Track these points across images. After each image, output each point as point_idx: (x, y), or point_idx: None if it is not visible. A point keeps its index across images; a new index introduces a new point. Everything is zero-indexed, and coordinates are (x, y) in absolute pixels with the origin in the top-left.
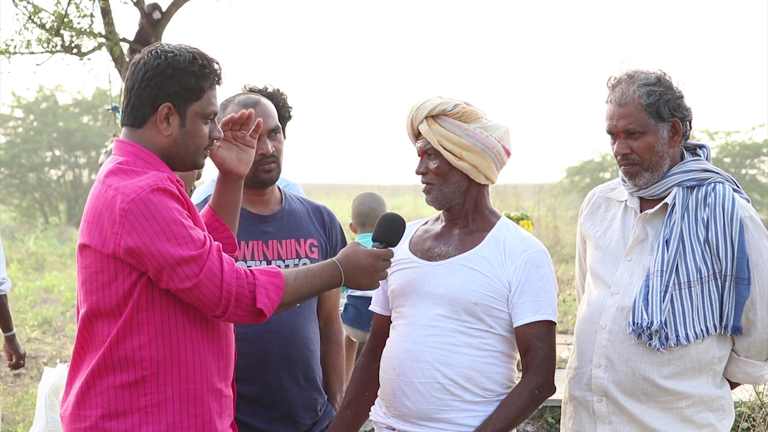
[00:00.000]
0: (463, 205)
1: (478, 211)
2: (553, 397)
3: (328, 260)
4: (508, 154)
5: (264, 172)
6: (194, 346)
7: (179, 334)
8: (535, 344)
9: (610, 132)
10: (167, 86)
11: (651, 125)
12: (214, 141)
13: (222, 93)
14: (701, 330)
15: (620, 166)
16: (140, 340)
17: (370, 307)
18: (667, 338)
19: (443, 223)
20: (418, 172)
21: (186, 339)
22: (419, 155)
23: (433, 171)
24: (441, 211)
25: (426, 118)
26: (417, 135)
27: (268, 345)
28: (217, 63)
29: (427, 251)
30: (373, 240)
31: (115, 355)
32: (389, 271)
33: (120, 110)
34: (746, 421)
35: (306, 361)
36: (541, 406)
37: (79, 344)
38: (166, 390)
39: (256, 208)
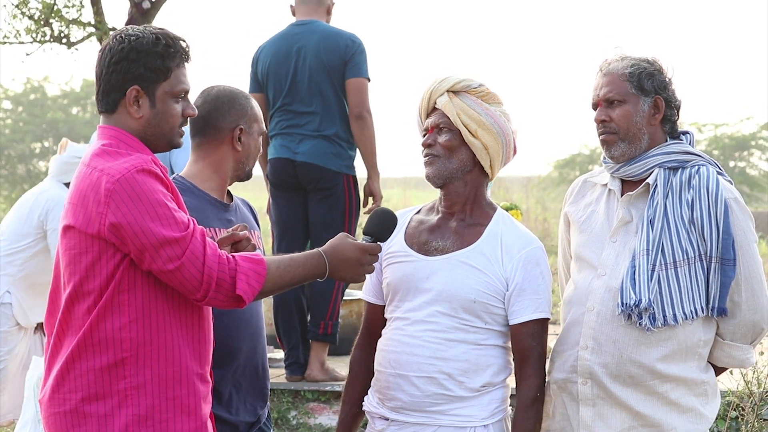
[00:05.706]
0: (462, 192)
1: (477, 202)
2: None
3: (314, 250)
4: (515, 151)
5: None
6: (174, 330)
7: (160, 317)
8: (530, 344)
9: (594, 104)
10: (133, 69)
11: (631, 95)
12: (188, 119)
13: (211, 81)
14: (691, 311)
15: (599, 136)
16: (120, 322)
17: (362, 296)
18: (655, 318)
19: (439, 214)
20: (424, 144)
21: (166, 322)
22: (427, 131)
23: (443, 144)
24: (436, 200)
25: (447, 91)
26: (429, 112)
27: (240, 333)
28: (184, 41)
29: (423, 245)
30: (364, 233)
31: (95, 336)
32: (385, 263)
33: None
34: (735, 410)
35: (264, 352)
36: None
37: (60, 327)
38: (146, 372)
39: (218, 195)
